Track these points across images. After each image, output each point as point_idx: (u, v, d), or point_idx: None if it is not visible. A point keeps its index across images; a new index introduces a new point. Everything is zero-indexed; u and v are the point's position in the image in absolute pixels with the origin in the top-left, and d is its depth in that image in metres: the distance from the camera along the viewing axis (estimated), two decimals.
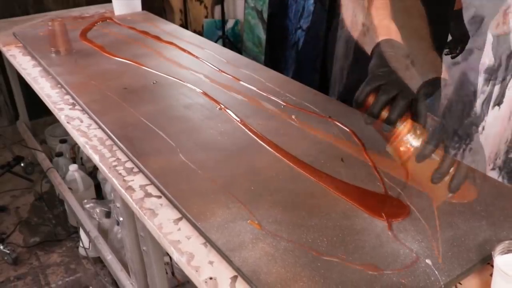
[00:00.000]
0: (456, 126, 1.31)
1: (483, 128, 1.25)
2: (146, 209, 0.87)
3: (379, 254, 0.72)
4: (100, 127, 1.16)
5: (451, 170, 0.79)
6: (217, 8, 3.23)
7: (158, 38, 1.79)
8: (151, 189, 0.92)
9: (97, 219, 1.71)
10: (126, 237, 1.20)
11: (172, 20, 3.03)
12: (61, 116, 1.25)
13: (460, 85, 1.29)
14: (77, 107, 1.29)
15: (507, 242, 0.65)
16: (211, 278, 0.71)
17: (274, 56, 2.79)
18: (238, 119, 1.14)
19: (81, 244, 1.81)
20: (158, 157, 0.99)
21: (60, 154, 2.11)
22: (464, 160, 1.31)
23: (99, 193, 2.00)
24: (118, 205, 1.15)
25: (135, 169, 0.99)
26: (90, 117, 1.21)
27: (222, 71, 1.45)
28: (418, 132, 0.78)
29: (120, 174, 0.98)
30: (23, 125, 2.40)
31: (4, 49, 1.80)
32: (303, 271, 0.69)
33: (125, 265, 1.44)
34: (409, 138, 0.79)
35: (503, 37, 1.18)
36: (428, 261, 0.71)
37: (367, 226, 0.78)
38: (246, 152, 1.01)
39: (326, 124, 1.12)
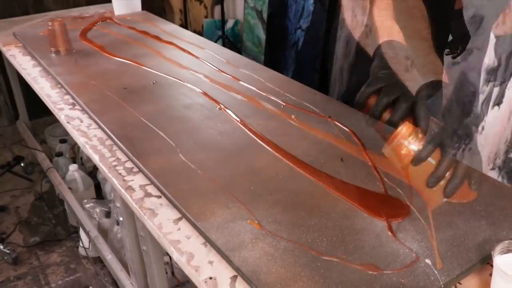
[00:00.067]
0: (455, 126, 1.31)
1: (483, 128, 1.25)
2: (146, 209, 0.87)
3: (378, 254, 0.72)
4: (100, 127, 1.16)
5: (447, 174, 0.79)
6: (217, 8, 3.23)
7: (158, 38, 1.79)
8: (151, 189, 0.92)
9: (97, 219, 1.71)
10: (126, 237, 1.20)
11: (172, 20, 3.03)
12: (61, 116, 1.25)
13: (460, 85, 1.29)
14: (77, 107, 1.29)
15: (506, 242, 0.65)
16: (211, 278, 0.71)
17: (274, 56, 2.79)
18: (238, 119, 1.14)
19: (81, 244, 1.81)
20: (158, 157, 1.00)
21: (60, 154, 2.11)
22: (463, 160, 1.31)
23: (99, 193, 2.00)
24: (118, 205, 1.15)
25: (135, 169, 0.99)
26: (90, 117, 1.21)
27: (222, 71, 1.45)
28: (419, 135, 0.79)
29: (120, 174, 0.98)
30: (23, 125, 2.40)
31: (4, 49, 1.80)
32: (303, 271, 0.69)
33: (125, 265, 1.44)
34: (410, 142, 0.79)
35: (503, 37, 1.18)
36: (427, 261, 0.71)
37: (366, 226, 0.78)
38: (246, 152, 1.01)
39: (326, 124, 1.12)
